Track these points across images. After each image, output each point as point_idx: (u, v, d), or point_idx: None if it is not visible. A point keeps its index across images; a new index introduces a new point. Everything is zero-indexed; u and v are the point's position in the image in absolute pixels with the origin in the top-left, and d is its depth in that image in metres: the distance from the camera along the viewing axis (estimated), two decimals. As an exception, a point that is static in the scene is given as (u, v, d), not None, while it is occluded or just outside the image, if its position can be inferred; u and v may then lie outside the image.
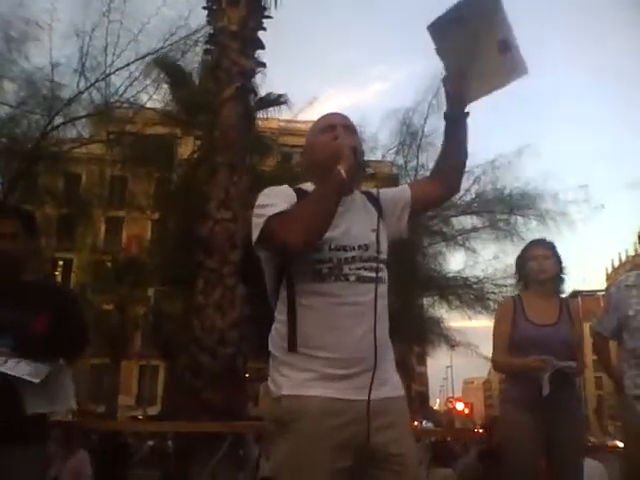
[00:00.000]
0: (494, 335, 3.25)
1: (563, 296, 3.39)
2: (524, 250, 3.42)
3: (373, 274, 1.84)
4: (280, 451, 1.79)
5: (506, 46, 1.94)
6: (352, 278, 1.81)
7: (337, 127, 1.95)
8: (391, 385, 1.87)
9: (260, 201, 1.86)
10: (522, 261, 3.37)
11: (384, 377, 1.84)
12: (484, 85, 2.02)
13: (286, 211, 1.78)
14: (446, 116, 2.02)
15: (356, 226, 1.87)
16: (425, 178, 2.27)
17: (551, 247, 3.34)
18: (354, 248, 1.84)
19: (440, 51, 1.97)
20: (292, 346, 1.79)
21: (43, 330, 2.44)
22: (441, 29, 1.94)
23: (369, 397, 1.72)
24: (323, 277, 1.80)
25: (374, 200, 2.01)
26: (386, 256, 1.92)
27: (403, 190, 2.09)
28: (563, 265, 3.32)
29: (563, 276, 3.32)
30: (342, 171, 1.74)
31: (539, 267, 3.24)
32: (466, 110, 2.01)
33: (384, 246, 1.92)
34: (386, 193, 2.07)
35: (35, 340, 2.40)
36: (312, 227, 1.74)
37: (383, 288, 1.88)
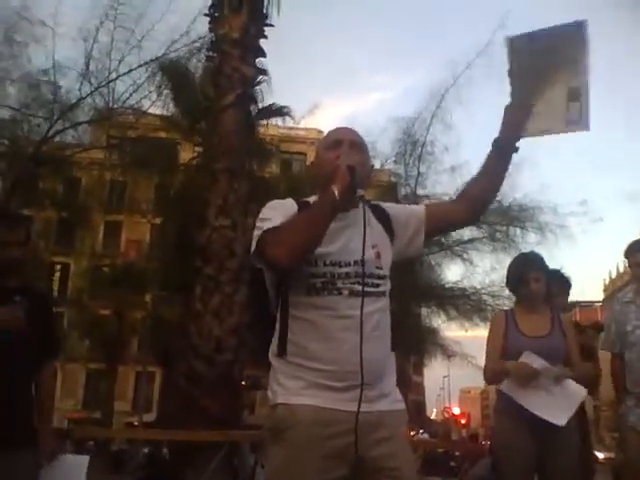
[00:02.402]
0: (487, 348, 3.28)
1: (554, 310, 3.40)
2: (520, 268, 3.35)
3: (368, 289, 1.83)
4: (273, 459, 1.80)
5: (577, 95, 1.86)
6: (345, 292, 1.81)
7: (344, 143, 1.94)
8: (390, 398, 1.85)
9: (262, 214, 1.87)
10: (518, 280, 3.34)
11: (383, 390, 1.83)
12: (542, 125, 1.92)
13: (279, 226, 1.79)
14: (495, 143, 1.96)
15: (355, 241, 1.86)
16: (449, 201, 2.25)
17: (543, 268, 3.32)
18: (349, 264, 1.83)
19: (511, 72, 1.89)
20: (282, 351, 1.82)
21: (25, 333, 2.43)
22: (520, 48, 1.84)
23: (358, 410, 1.72)
24: (317, 290, 1.81)
25: (384, 216, 2.00)
26: (387, 272, 1.92)
27: (418, 209, 2.09)
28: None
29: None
30: (335, 191, 1.74)
31: (537, 292, 3.25)
32: (517, 144, 1.95)
33: (386, 262, 1.92)
34: (399, 210, 2.07)
35: (18, 342, 2.41)
36: (298, 245, 1.75)
37: (382, 302, 1.88)
